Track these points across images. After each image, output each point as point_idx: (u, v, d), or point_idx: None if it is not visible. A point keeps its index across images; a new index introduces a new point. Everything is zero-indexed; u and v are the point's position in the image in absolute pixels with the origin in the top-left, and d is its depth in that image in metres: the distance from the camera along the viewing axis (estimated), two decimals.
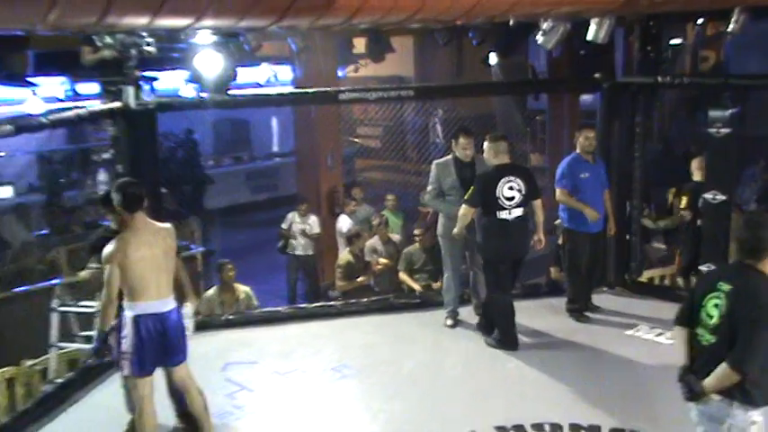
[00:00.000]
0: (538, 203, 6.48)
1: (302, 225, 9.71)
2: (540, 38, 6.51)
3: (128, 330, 4.59)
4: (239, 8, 3.99)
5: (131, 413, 5.09)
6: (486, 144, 6.45)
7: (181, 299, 5.05)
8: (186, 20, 3.96)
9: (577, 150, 6.94)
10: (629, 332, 6.75)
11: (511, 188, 6.29)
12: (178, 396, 5.05)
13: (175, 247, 4.78)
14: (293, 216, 9.78)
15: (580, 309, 7.06)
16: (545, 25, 6.36)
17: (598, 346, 6.52)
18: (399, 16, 4.59)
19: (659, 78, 7.32)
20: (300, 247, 9.74)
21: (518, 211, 6.33)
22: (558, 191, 6.93)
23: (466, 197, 6.35)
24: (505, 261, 6.42)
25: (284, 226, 9.80)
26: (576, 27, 6.36)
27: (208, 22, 4.08)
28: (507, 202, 6.29)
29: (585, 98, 12.94)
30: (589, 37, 6.50)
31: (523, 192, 6.31)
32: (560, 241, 7.55)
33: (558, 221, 7.34)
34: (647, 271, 8.23)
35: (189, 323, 5.00)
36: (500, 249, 6.38)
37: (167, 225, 4.86)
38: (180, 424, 5.15)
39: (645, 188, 7.96)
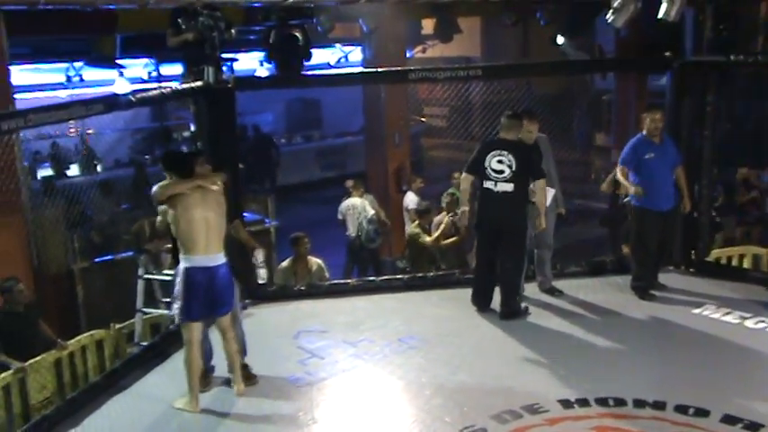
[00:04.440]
0: (538, 185, 6.48)
1: (369, 209, 9.35)
2: (609, 16, 6.51)
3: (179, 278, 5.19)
4: None
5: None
6: (502, 120, 6.61)
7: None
8: None
9: (644, 132, 6.94)
10: (696, 311, 6.73)
11: (500, 162, 6.43)
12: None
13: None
14: (352, 204, 9.36)
15: (645, 287, 7.08)
16: (615, 3, 6.36)
17: (664, 324, 6.54)
18: None
19: (732, 57, 7.23)
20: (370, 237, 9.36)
21: (506, 186, 6.44)
22: (618, 168, 6.99)
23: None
24: (482, 229, 6.66)
25: (349, 222, 9.37)
26: (645, 5, 6.33)
27: None
28: (495, 174, 6.45)
29: (652, 78, 12.71)
30: (660, 15, 6.45)
31: (514, 168, 6.40)
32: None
33: (627, 199, 7.36)
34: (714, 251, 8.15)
35: (261, 272, 5.61)
36: (480, 217, 6.66)
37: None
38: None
39: (714, 168, 7.89)
